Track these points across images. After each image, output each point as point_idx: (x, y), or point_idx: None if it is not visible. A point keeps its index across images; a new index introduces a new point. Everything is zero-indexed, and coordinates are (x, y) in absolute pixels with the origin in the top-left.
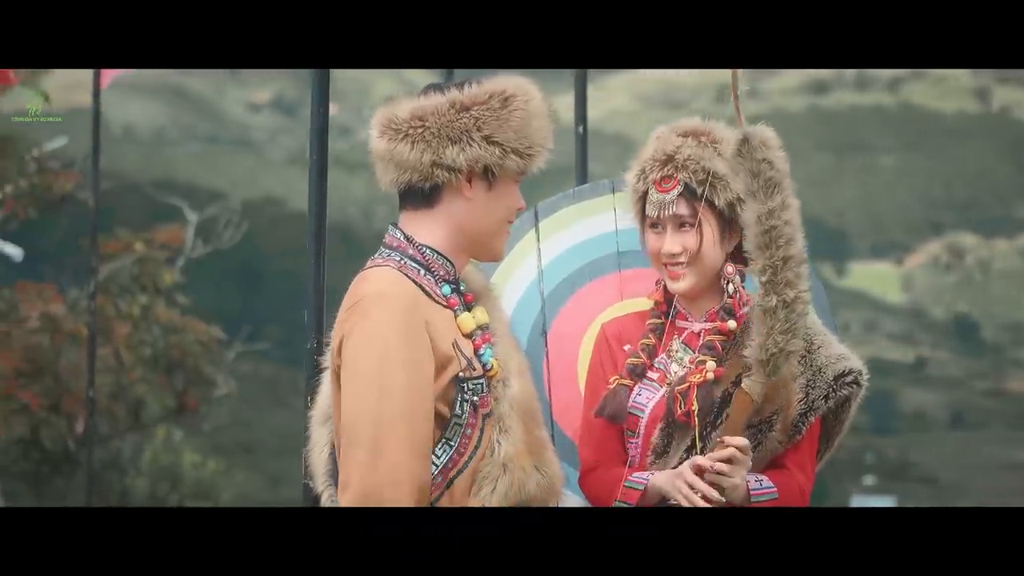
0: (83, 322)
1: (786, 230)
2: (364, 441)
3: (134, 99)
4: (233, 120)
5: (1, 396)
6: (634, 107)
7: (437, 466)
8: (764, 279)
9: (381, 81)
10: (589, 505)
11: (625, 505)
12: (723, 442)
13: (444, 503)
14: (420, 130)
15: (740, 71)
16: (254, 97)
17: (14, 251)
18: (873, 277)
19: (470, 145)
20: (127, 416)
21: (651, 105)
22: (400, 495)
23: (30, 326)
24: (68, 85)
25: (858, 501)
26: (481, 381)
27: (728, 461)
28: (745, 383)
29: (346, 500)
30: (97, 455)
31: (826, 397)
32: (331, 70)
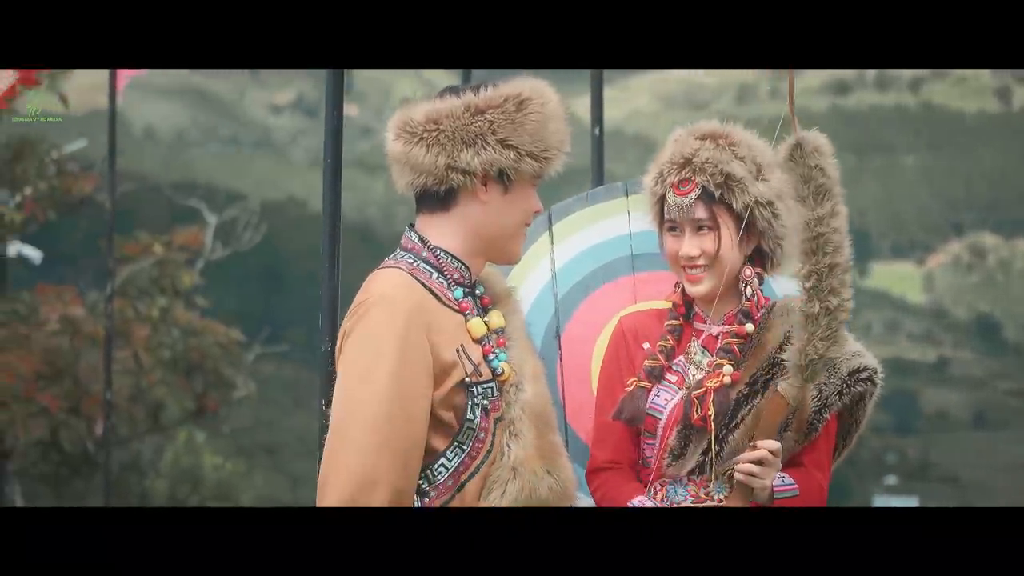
0: (102, 324)
1: (834, 237)
2: (345, 440)
3: (155, 101)
4: (254, 122)
5: (21, 398)
6: (656, 108)
7: (448, 469)
8: (808, 285)
9: (402, 82)
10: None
11: None
12: (755, 445)
13: (455, 506)
14: (435, 133)
15: (794, 75)
16: (275, 99)
17: (33, 254)
18: (894, 277)
19: (484, 148)
20: (146, 418)
21: (673, 106)
22: (375, 497)
23: (50, 329)
24: (88, 87)
25: (880, 501)
26: (491, 385)
27: (760, 463)
28: (781, 386)
29: (324, 499)
30: (117, 457)
31: (840, 393)
32: (348, 70)
